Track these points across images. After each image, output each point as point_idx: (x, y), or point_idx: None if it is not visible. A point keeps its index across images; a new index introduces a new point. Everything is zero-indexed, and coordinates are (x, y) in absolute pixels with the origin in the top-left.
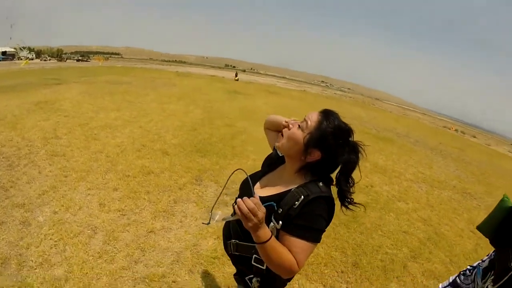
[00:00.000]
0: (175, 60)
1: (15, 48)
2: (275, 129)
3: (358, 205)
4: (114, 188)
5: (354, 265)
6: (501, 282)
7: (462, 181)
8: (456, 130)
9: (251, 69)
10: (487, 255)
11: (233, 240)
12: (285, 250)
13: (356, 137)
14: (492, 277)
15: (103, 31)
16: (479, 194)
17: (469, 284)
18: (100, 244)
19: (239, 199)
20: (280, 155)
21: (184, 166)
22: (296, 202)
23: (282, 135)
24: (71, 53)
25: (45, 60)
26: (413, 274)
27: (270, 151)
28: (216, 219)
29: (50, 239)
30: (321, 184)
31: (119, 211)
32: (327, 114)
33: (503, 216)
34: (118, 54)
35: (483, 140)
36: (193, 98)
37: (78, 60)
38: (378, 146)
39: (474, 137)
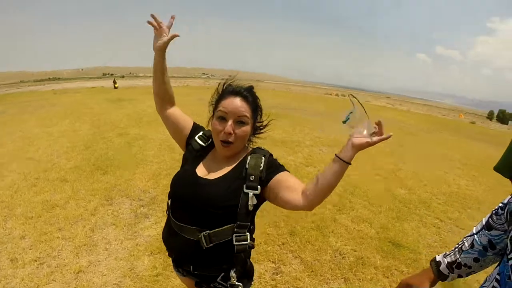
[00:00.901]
0: (49, 78)
1: None
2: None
3: (272, 121)
4: (21, 236)
5: (291, 234)
6: None
7: None
8: (337, 94)
9: (130, 73)
10: None
11: (204, 232)
12: None
13: None
14: None
15: None
16: None
17: (503, 223)
18: None
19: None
20: (205, 145)
21: (88, 189)
22: (261, 164)
23: (226, 142)
24: None
25: None
26: (345, 224)
27: (171, 149)
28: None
29: None
30: (260, 147)
31: (36, 260)
32: (241, 93)
33: None
34: None
35: (362, 98)
36: (77, 115)
37: None
38: (271, 123)
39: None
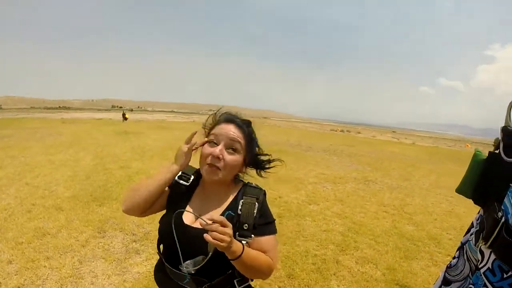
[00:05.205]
0: (59, 107)
1: None
2: (154, 199)
3: (277, 160)
4: (8, 260)
5: (289, 277)
6: (492, 237)
7: (361, 172)
8: (341, 130)
9: (138, 107)
10: (471, 227)
11: (205, 285)
12: (259, 253)
13: None
14: (483, 236)
15: None
16: (379, 179)
17: (458, 274)
18: None
19: (208, 230)
20: (188, 184)
21: (82, 220)
22: (255, 211)
23: (215, 166)
24: None
25: None
26: (348, 266)
27: None
28: (191, 269)
29: None
30: (252, 183)
31: (19, 287)
32: (236, 121)
33: (480, 171)
34: None
35: (368, 133)
36: (82, 145)
37: None
38: (276, 163)
39: (359, 133)
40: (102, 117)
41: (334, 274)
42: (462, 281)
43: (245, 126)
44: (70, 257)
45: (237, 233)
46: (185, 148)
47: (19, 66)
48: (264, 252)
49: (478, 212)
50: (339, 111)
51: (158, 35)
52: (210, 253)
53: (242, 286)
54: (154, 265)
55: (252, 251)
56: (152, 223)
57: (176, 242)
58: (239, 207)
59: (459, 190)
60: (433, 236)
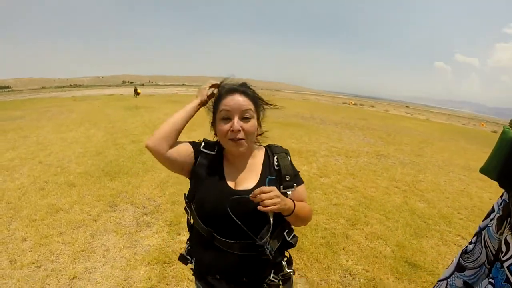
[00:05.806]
0: (70, 85)
1: None
2: (176, 137)
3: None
4: (23, 238)
5: (298, 250)
6: None
7: (373, 145)
8: (354, 104)
9: (149, 81)
10: (491, 211)
11: (269, 245)
12: (303, 203)
13: (265, 127)
14: (510, 224)
15: None
16: (391, 153)
17: (473, 261)
18: None
19: (254, 198)
20: (214, 153)
21: (94, 195)
22: (289, 164)
23: (237, 138)
24: None
25: None
26: (357, 240)
27: None
28: (266, 238)
29: None
30: (274, 144)
31: (33, 263)
32: (239, 89)
33: (508, 149)
34: (7, 87)
35: (381, 107)
36: (93, 121)
37: None
38: (288, 132)
39: (372, 106)
40: (113, 93)
41: (343, 249)
42: (477, 269)
43: (248, 89)
44: (83, 231)
45: (281, 185)
46: (205, 85)
47: (25, 48)
48: (301, 200)
49: (501, 196)
50: (352, 83)
51: (160, 20)
52: (271, 219)
53: (290, 237)
54: (164, 238)
55: (298, 202)
56: (163, 196)
57: (241, 224)
58: (275, 163)
59: (484, 170)
60: (444, 215)
